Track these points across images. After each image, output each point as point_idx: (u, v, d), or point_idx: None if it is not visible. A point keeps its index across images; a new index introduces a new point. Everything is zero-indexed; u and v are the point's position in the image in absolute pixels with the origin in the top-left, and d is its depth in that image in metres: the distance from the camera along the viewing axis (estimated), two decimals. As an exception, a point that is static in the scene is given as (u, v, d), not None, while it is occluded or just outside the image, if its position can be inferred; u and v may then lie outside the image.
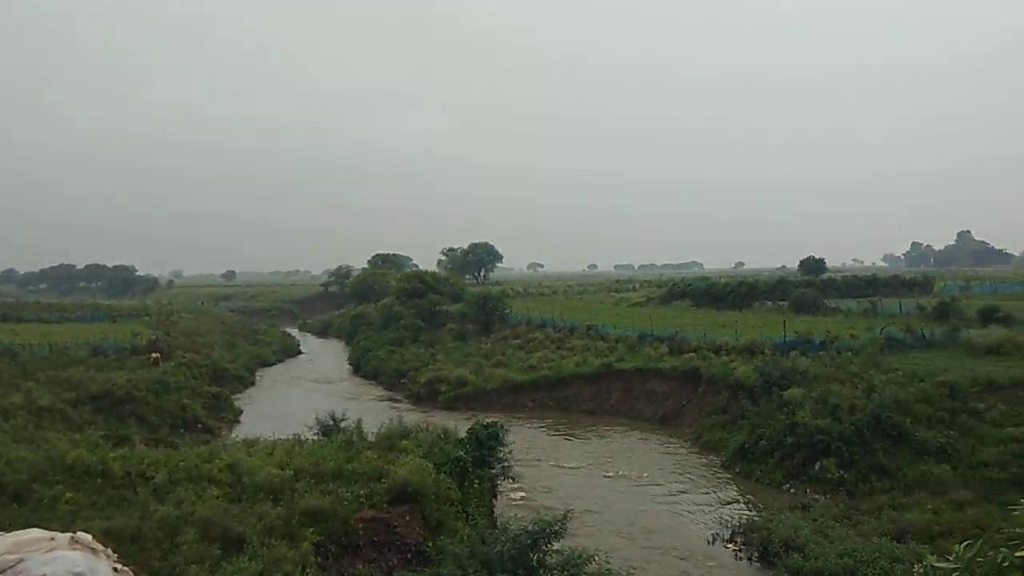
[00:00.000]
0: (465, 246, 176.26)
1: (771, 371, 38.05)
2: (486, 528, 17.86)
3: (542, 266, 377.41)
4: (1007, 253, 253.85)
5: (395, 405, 52.54)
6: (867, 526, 25.14)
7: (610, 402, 49.69)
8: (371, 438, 27.56)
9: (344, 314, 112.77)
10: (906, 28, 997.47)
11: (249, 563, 15.89)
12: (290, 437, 27.61)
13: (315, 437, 29.13)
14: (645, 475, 34.70)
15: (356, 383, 66.28)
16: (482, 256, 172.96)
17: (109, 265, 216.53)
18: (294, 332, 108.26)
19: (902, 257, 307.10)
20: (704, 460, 36.97)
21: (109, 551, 7.67)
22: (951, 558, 4.08)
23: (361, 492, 21.68)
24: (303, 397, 55.26)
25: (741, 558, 25.14)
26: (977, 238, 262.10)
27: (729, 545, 25.99)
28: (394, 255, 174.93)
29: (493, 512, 25.60)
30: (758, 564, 24.58)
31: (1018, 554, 3.87)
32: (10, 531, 7.49)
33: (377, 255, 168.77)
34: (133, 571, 9.08)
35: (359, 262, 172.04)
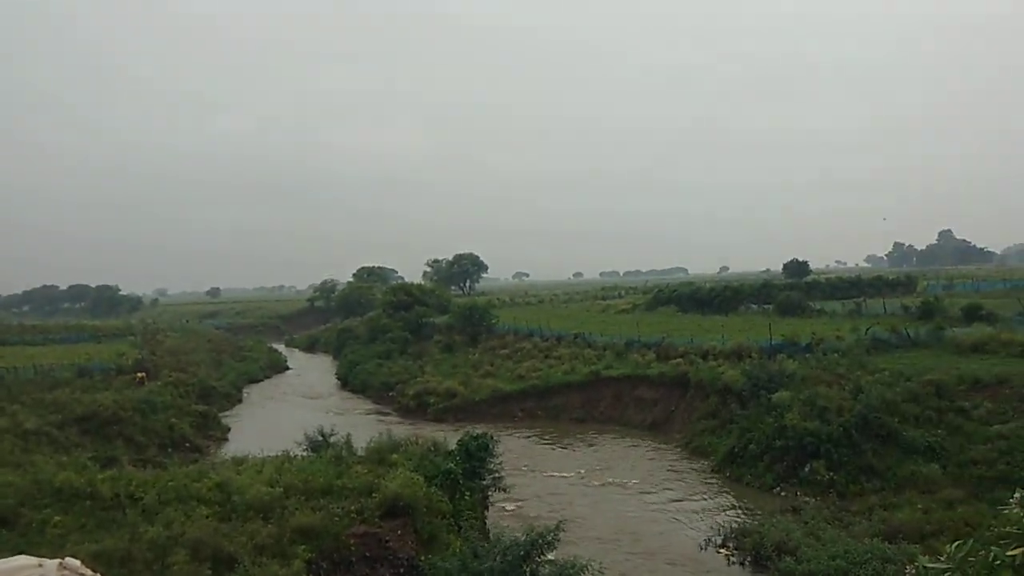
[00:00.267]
0: (450, 257, 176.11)
1: (758, 375, 38.18)
2: (478, 540, 17.81)
3: (527, 275, 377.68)
4: (989, 251, 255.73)
5: (384, 418, 52.40)
6: (858, 527, 25.22)
7: (599, 409, 49.71)
8: (361, 452, 27.47)
9: (331, 328, 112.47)
10: (886, 20, 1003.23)
11: (241, 583, 15.79)
12: (279, 454, 27.46)
13: (304, 453, 29.00)
14: (636, 482, 34.69)
15: (344, 397, 66.06)
16: (467, 267, 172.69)
17: (92, 285, 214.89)
18: (281, 348, 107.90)
19: (884, 258, 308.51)
20: (694, 465, 37.00)
21: (98, 575, 7.61)
22: (943, 558, 4.09)
23: (352, 507, 21.58)
24: (291, 413, 55.02)
25: (734, 563, 25.14)
26: (959, 237, 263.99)
27: (721, 550, 25.99)
28: (379, 268, 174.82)
29: (485, 524, 25.53)
30: (751, 568, 24.59)
31: (1009, 553, 3.88)
32: (-2, 558, 7.42)
33: (362, 268, 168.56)
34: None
35: (344, 276, 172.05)
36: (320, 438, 31.01)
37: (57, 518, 19.89)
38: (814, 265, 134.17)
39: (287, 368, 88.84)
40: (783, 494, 30.61)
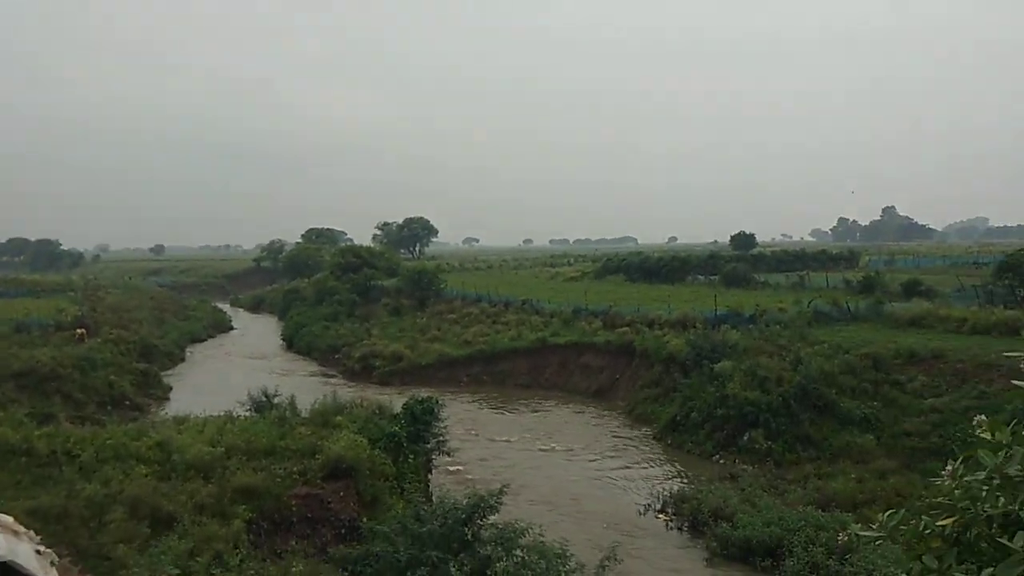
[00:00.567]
0: (400, 221, 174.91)
1: (702, 344, 38.67)
2: (421, 503, 17.86)
3: (477, 241, 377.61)
4: (930, 228, 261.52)
5: (329, 381, 52.10)
6: (793, 495, 25.80)
7: (545, 376, 49.99)
8: (305, 414, 27.31)
9: (277, 289, 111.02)
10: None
11: (179, 541, 15.65)
12: (221, 414, 27.17)
13: (247, 414, 28.72)
14: (579, 448, 35.04)
15: (289, 359, 65.50)
16: (417, 231, 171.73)
17: (32, 239, 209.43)
18: (226, 307, 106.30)
19: (829, 232, 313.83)
20: (637, 432, 37.46)
21: (31, 533, 7.45)
22: (875, 526, 4.15)
23: (294, 469, 21.51)
24: (235, 373, 54.37)
25: (672, 528, 25.59)
26: (902, 213, 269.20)
27: (660, 515, 26.43)
28: (328, 230, 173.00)
29: (428, 487, 25.62)
30: (688, 534, 25.06)
31: (939, 522, 3.93)
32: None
33: (311, 230, 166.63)
34: (57, 552, 8.86)
35: (292, 237, 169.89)
36: (264, 399, 30.71)
37: (-9, 474, 19.51)
38: (760, 238, 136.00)
39: (231, 328, 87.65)
40: (722, 462, 31.16)
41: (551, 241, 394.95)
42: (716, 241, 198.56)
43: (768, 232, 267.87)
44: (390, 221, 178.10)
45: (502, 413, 43.16)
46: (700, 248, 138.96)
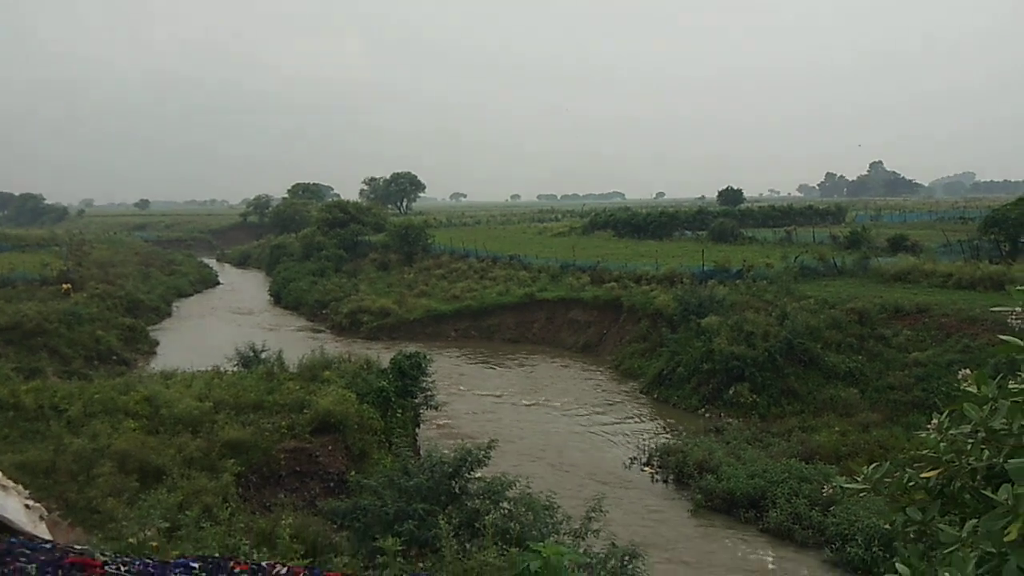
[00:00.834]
0: (387, 176, 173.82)
1: (689, 300, 38.79)
2: (409, 457, 17.96)
3: (465, 196, 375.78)
4: (917, 183, 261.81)
5: (317, 336, 52.12)
6: (777, 448, 26.09)
7: (533, 331, 50.13)
8: (293, 369, 27.33)
9: (263, 244, 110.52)
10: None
11: (168, 495, 15.69)
12: (209, 369, 27.18)
13: (235, 369, 28.76)
14: (566, 402, 35.25)
15: (277, 314, 65.40)
16: (404, 186, 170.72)
17: (15, 193, 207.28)
18: (212, 263, 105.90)
19: (817, 187, 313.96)
20: (624, 387, 37.70)
21: (20, 487, 7.48)
22: (859, 479, 4.18)
23: (283, 423, 21.60)
24: (222, 328, 54.35)
25: (657, 480, 25.87)
26: (889, 168, 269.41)
27: (646, 468, 26.70)
28: (315, 184, 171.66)
29: (416, 441, 25.78)
30: (673, 486, 25.34)
31: (923, 475, 3.97)
32: (-88, 468, 7.24)
33: (297, 184, 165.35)
34: (46, 506, 8.90)
35: (279, 192, 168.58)
36: (251, 354, 30.74)
37: (-22, 430, 19.49)
38: (748, 193, 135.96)
39: (218, 283, 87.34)
40: (707, 415, 31.42)
41: (539, 196, 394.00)
42: (703, 197, 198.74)
43: (756, 187, 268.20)
44: (377, 176, 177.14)
45: (490, 368, 43.32)
46: (688, 204, 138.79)
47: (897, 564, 3.62)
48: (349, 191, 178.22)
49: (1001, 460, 3.37)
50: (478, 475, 15.87)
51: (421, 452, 22.90)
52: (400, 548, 9.37)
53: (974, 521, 3.22)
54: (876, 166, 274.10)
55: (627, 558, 12.40)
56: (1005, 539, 2.89)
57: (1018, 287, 3.38)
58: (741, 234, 65.73)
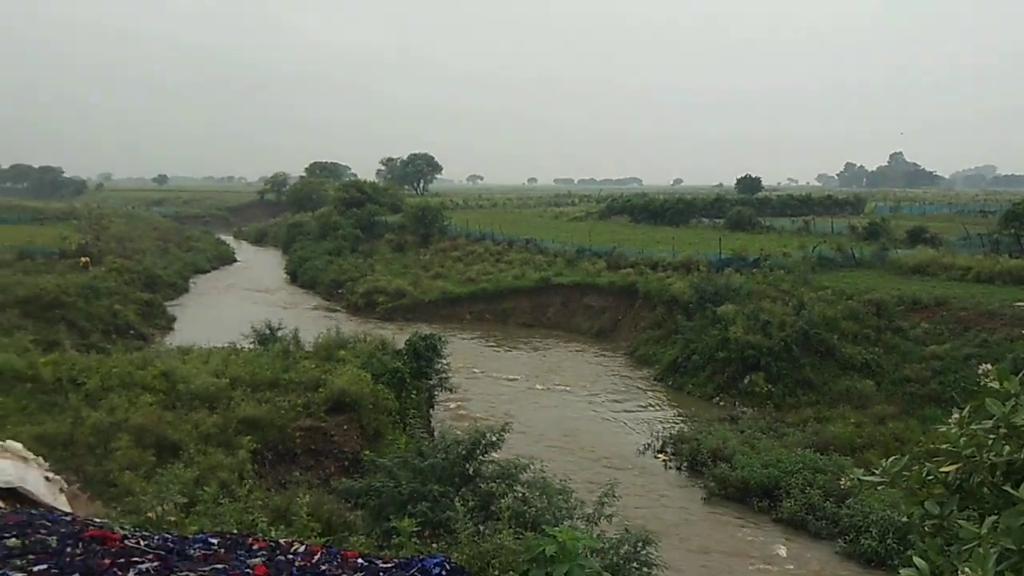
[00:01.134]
0: (404, 156, 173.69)
1: (706, 287, 38.67)
2: (423, 438, 18.06)
3: (482, 178, 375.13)
4: (937, 175, 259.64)
5: (332, 315, 52.25)
6: (792, 438, 26.05)
7: (547, 315, 50.14)
8: (308, 348, 27.45)
9: (281, 222, 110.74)
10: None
11: (185, 470, 15.86)
12: (226, 346, 27.34)
13: (251, 346, 28.91)
14: (580, 387, 35.28)
15: (293, 292, 65.64)
16: (421, 167, 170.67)
17: (35, 166, 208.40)
18: (229, 240, 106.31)
19: (836, 177, 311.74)
20: (638, 373, 37.69)
21: (40, 459, 7.56)
22: (877, 471, 4.18)
23: (298, 401, 21.73)
24: (238, 306, 54.60)
25: (670, 467, 25.90)
26: (909, 159, 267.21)
27: (659, 455, 26.72)
28: (332, 164, 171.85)
29: (430, 422, 25.88)
30: (687, 474, 25.36)
31: (943, 469, 3.97)
32: (-64, 438, 7.32)
33: (315, 163, 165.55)
34: (66, 479, 9.01)
35: (296, 170, 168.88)
36: (267, 332, 30.88)
37: (-2, 400, 19.69)
38: (766, 182, 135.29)
39: (235, 260, 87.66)
40: (722, 404, 31.39)
41: (556, 180, 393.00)
42: (721, 184, 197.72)
43: (774, 176, 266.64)
44: (394, 157, 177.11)
45: (504, 351, 43.39)
46: (705, 191, 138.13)
47: (914, 558, 3.62)
48: (366, 171, 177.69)
49: (1022, 456, 3.36)
50: (492, 458, 15.93)
51: (435, 434, 23.01)
52: (415, 529, 9.45)
53: (994, 517, 3.22)
54: (896, 157, 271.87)
55: (640, 544, 12.44)
56: (1027, 536, 2.90)
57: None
58: (759, 223, 65.41)
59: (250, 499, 11.19)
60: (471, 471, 15.41)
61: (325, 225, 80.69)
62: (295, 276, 71.30)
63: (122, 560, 4.58)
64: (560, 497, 14.30)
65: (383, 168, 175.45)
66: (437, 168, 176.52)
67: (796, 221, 65.03)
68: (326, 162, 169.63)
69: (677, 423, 29.89)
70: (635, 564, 12.18)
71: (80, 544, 4.93)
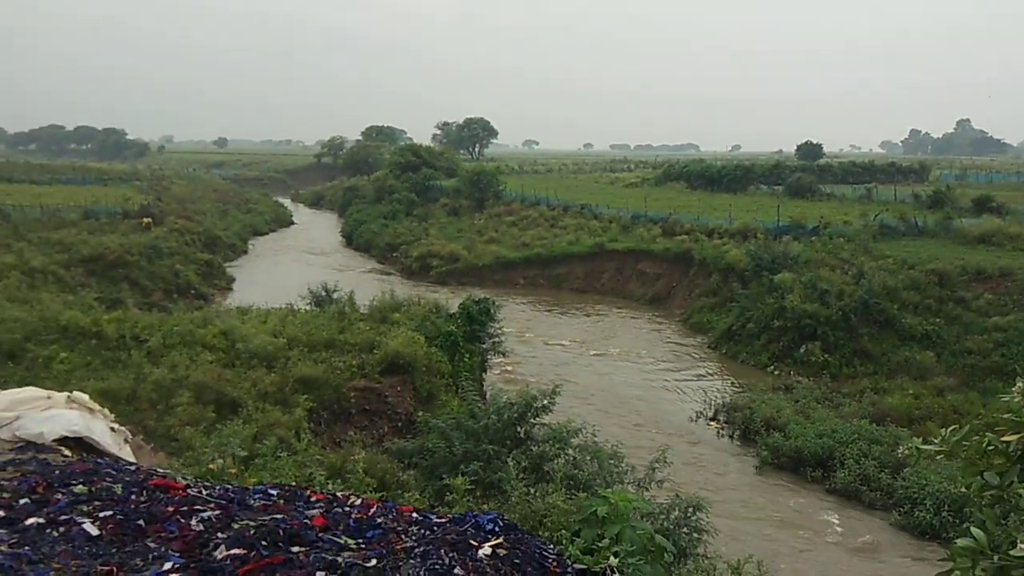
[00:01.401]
0: (460, 121, 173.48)
1: (762, 255, 38.16)
2: (476, 401, 18.18)
3: (537, 144, 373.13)
4: (1005, 143, 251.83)
5: (387, 278, 52.75)
6: (848, 408, 25.74)
7: (601, 281, 50.01)
8: (363, 310, 27.74)
9: (337, 186, 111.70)
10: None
11: (244, 426, 16.21)
12: (283, 306, 27.76)
13: (308, 307, 29.31)
14: (633, 353, 35.22)
15: (348, 255, 66.35)
16: (477, 131, 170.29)
17: (99, 128, 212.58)
18: (286, 202, 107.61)
19: (900, 144, 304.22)
20: (692, 341, 37.49)
21: (106, 411, 7.78)
22: (936, 441, 4.13)
23: (353, 362, 22.00)
24: (295, 267, 55.38)
25: (723, 435, 25.80)
26: (976, 127, 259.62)
27: (712, 423, 26.63)
28: (388, 127, 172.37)
29: (483, 386, 26.03)
30: (739, 442, 25.24)
31: (1004, 439, 3.91)
32: (5, 389, 7.57)
33: (371, 127, 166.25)
34: (130, 431, 9.28)
35: (353, 134, 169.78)
36: (323, 293, 31.27)
37: (63, 355, 20.29)
38: (828, 149, 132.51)
39: (292, 223, 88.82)
40: (777, 373, 31.10)
41: (612, 146, 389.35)
42: (781, 151, 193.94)
43: (836, 143, 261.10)
44: (450, 121, 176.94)
45: (557, 316, 43.43)
46: (764, 157, 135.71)
47: (971, 528, 3.58)
48: (422, 135, 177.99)
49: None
50: (543, 421, 16.01)
51: (487, 397, 23.16)
52: (467, 488, 9.55)
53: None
54: (963, 124, 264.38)
55: (691, 509, 12.44)
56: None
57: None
58: (819, 190, 64.12)
59: (307, 453, 11.42)
60: (523, 434, 15.52)
61: (380, 189, 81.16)
62: (350, 239, 72.01)
63: (185, 508, 4.72)
64: (611, 461, 14.34)
65: (439, 132, 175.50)
66: (493, 133, 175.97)
67: (858, 189, 63.58)
68: (382, 126, 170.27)
69: (730, 391, 29.71)
70: (685, 529, 12.19)
71: (144, 492, 5.08)
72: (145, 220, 53.89)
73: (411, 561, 3.97)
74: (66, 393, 7.33)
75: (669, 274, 46.65)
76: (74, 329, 21.78)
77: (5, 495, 4.89)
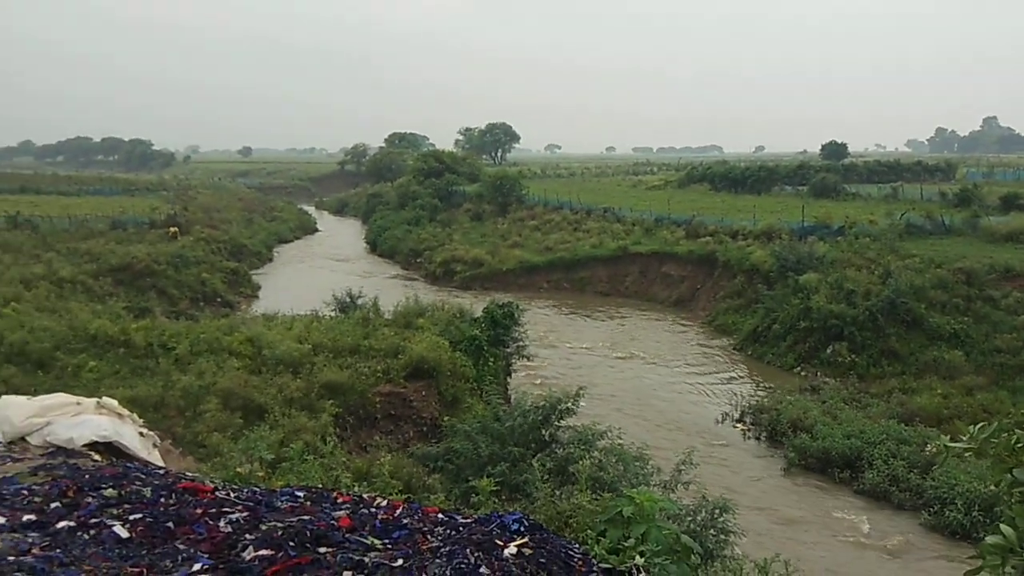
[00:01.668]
0: (483, 126, 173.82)
1: (787, 256, 37.94)
2: (500, 404, 18.21)
3: (559, 148, 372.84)
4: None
5: (411, 284, 52.90)
6: (876, 409, 25.54)
7: (625, 284, 49.91)
8: (388, 315, 27.85)
9: (360, 193, 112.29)
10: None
11: (270, 431, 16.32)
12: (308, 313, 27.93)
13: (333, 313, 29.48)
14: (657, 356, 35.11)
15: (372, 261, 66.64)
16: (499, 136, 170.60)
17: (126, 139, 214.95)
18: (311, 210, 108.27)
19: (926, 142, 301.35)
20: (717, 343, 37.32)
21: (135, 416, 7.86)
22: (964, 439, 4.09)
23: (378, 367, 22.08)
24: (320, 274, 55.67)
25: (749, 437, 25.66)
26: (1003, 124, 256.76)
27: (738, 425, 26.49)
28: (411, 134, 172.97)
29: (507, 389, 26.05)
30: (766, 444, 25.10)
31: (1034, 435, 3.87)
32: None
33: (394, 134, 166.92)
34: (159, 436, 9.38)
35: (375, 141, 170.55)
36: (348, 300, 31.45)
37: (92, 363, 20.53)
38: (853, 148, 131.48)
39: (316, 230, 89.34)
40: (803, 374, 30.90)
41: (634, 149, 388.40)
42: (805, 151, 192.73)
43: (861, 142, 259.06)
44: (472, 127, 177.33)
45: (581, 320, 43.38)
46: (788, 158, 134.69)
47: (1001, 526, 3.54)
48: (444, 141, 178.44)
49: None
50: (568, 424, 16.02)
51: (511, 400, 23.17)
52: (493, 489, 9.57)
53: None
54: (990, 121, 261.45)
55: (717, 511, 12.40)
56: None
57: None
58: (844, 190, 63.59)
59: (335, 455, 11.49)
60: (547, 436, 15.53)
61: (404, 195, 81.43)
62: (374, 245, 72.30)
63: (213, 510, 4.77)
64: (637, 464, 14.33)
65: (461, 138, 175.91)
66: (515, 137, 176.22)
67: (883, 188, 62.99)
68: (405, 132, 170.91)
69: (756, 393, 29.54)
70: (712, 531, 12.15)
71: (173, 495, 5.13)
72: (172, 230, 54.43)
73: (437, 561, 3.99)
74: (95, 399, 7.40)
75: (693, 276, 46.47)
76: (103, 338, 22.05)
77: (37, 499, 4.96)
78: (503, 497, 12.53)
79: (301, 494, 5.36)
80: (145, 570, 3.98)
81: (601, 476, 12.90)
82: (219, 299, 45.24)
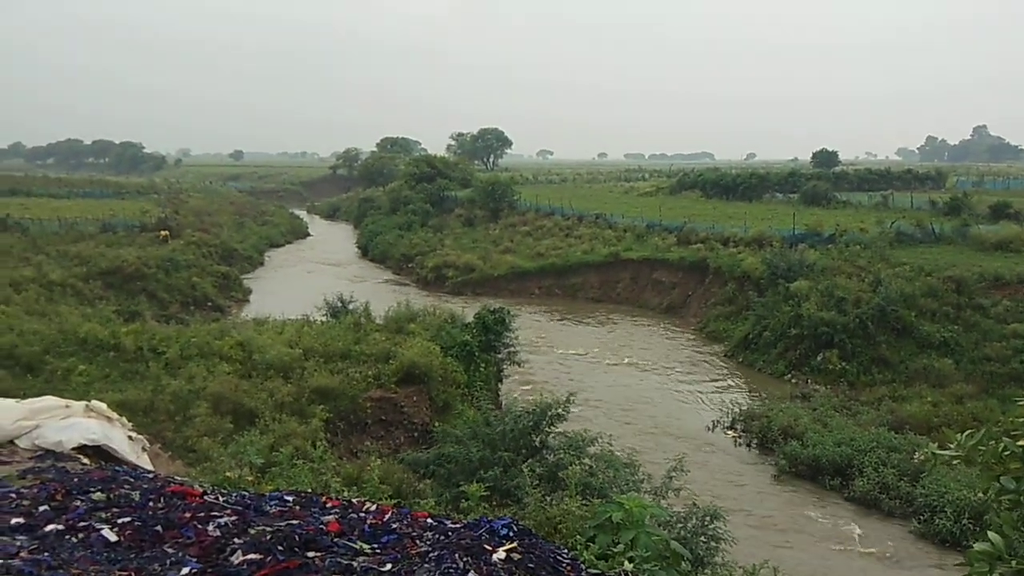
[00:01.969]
0: (475, 131, 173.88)
1: (778, 263, 38.02)
2: (491, 410, 18.19)
3: (552, 153, 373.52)
4: (1022, 149, 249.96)
5: (402, 289, 52.86)
6: (866, 416, 25.62)
7: (616, 291, 49.97)
8: (379, 320, 27.82)
9: (352, 197, 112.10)
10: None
11: (261, 436, 16.29)
12: (299, 317, 27.87)
13: (324, 318, 29.43)
14: (649, 362, 35.14)
15: (364, 266, 66.55)
16: (491, 142, 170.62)
17: (116, 141, 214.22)
18: (302, 214, 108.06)
19: (916, 151, 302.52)
20: (708, 349, 37.37)
21: (124, 419, 7.84)
22: (952, 446, 4.12)
23: (369, 372, 22.07)
24: (311, 279, 55.55)
25: (740, 444, 25.70)
26: (993, 133, 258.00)
27: (729, 432, 26.52)
28: (403, 139, 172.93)
29: (498, 395, 26.04)
30: (756, 451, 25.14)
31: (1021, 443, 3.90)
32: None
33: (386, 138, 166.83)
34: (148, 440, 9.35)
35: (367, 145, 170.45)
36: (339, 304, 31.38)
37: (82, 367, 20.47)
38: (844, 156, 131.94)
39: (308, 235, 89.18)
40: (794, 381, 30.97)
41: (626, 155, 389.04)
42: (796, 158, 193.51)
43: (852, 150, 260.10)
44: (464, 132, 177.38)
45: (573, 326, 43.39)
46: (779, 165, 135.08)
47: (989, 533, 3.56)
48: (436, 146, 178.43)
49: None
50: (559, 430, 16.01)
51: (502, 406, 23.16)
52: (483, 494, 9.57)
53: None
54: (980, 130, 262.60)
55: (708, 518, 12.41)
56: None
57: None
58: (835, 197, 63.80)
59: (325, 460, 11.50)
60: (538, 442, 15.53)
61: (396, 200, 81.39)
62: (366, 250, 72.24)
63: (202, 514, 4.75)
64: (627, 470, 14.34)
65: (453, 143, 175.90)
66: (507, 143, 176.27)
67: (874, 196, 63.24)
68: (397, 137, 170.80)
69: (747, 400, 29.60)
70: (703, 538, 12.16)
71: (162, 499, 5.12)
72: (162, 233, 54.28)
73: (425, 566, 3.98)
74: (84, 402, 7.38)
75: (684, 283, 46.55)
76: (92, 342, 21.99)
77: (25, 502, 4.93)
78: (493, 502, 12.52)
79: (290, 498, 5.35)
80: (133, 574, 3.97)
81: (591, 482, 12.90)
82: (210, 303, 45.13)
